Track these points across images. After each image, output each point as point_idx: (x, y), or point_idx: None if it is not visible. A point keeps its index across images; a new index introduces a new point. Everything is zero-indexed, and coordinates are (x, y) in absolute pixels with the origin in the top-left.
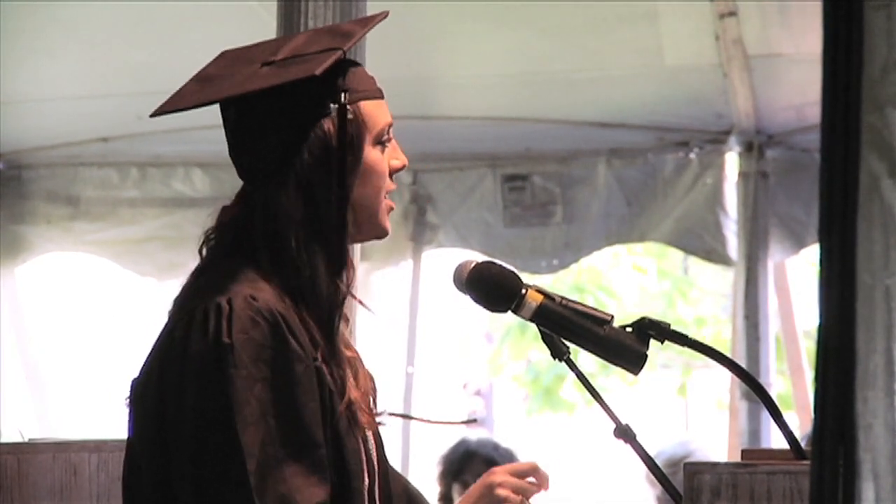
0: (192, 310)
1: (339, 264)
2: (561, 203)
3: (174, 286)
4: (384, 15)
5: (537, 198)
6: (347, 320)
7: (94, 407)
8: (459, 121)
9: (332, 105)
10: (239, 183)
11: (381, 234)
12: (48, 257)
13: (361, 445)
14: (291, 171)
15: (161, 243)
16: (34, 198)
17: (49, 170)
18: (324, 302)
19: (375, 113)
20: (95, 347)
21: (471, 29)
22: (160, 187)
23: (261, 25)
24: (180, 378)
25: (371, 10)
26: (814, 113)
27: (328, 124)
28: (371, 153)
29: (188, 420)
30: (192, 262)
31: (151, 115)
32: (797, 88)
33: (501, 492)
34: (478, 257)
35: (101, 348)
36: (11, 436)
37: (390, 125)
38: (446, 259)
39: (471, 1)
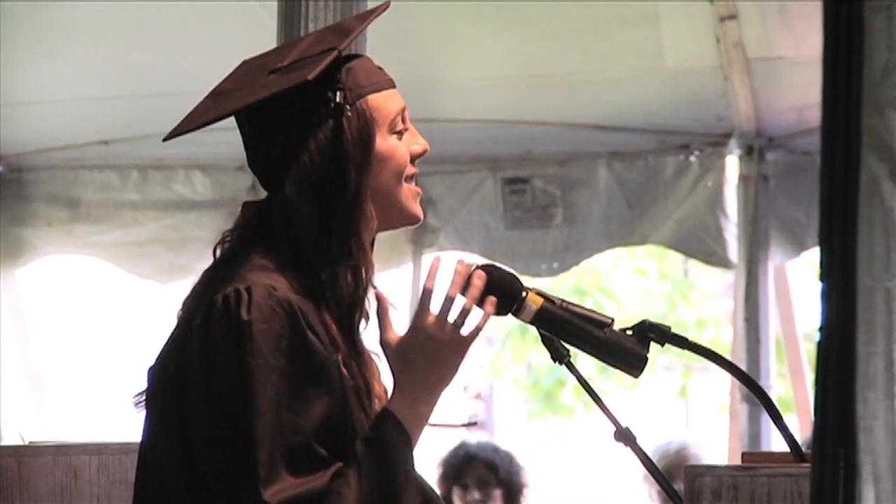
0: (211, 298)
1: (356, 262)
2: (561, 206)
3: (175, 288)
4: (384, 7)
5: (538, 200)
6: (367, 318)
7: (94, 409)
8: (460, 123)
9: (332, 105)
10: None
11: (411, 220)
12: (49, 260)
13: None
14: (301, 175)
15: (162, 246)
16: (35, 200)
17: (50, 172)
18: (343, 301)
19: (384, 104)
20: (96, 350)
21: (471, 31)
22: (161, 190)
23: (261, 26)
24: (203, 366)
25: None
26: (814, 115)
27: (332, 124)
28: (385, 143)
29: (206, 407)
30: (194, 263)
31: (164, 140)
32: (798, 91)
33: (433, 328)
34: (478, 260)
35: (102, 351)
36: (12, 438)
37: (403, 111)
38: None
39: (471, 2)
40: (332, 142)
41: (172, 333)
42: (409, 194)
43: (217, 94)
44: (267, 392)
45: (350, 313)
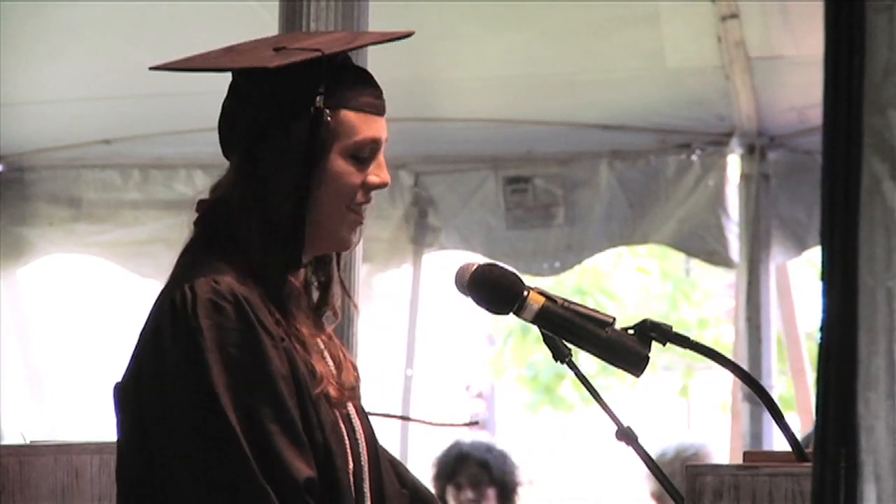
0: (160, 302)
1: (289, 260)
2: (563, 205)
3: None
4: (406, 33)
5: (539, 200)
6: (336, 313)
7: (95, 409)
8: (461, 123)
9: (305, 106)
10: None
11: (340, 246)
12: (50, 259)
13: (342, 424)
14: (245, 155)
15: (163, 245)
16: (36, 200)
17: (51, 172)
18: (273, 287)
19: (356, 125)
20: (97, 350)
21: (472, 31)
22: (162, 189)
23: (262, 26)
24: (158, 374)
25: (373, 10)
26: (815, 115)
27: (297, 123)
28: (336, 163)
29: (174, 415)
30: None
31: (151, 68)
32: (799, 90)
33: None
34: (479, 259)
35: (103, 350)
36: (13, 438)
37: (374, 141)
38: (448, 261)
39: (471, 2)
40: (282, 136)
41: (139, 335)
42: (348, 222)
43: (227, 49)
44: (229, 387)
45: (280, 303)
